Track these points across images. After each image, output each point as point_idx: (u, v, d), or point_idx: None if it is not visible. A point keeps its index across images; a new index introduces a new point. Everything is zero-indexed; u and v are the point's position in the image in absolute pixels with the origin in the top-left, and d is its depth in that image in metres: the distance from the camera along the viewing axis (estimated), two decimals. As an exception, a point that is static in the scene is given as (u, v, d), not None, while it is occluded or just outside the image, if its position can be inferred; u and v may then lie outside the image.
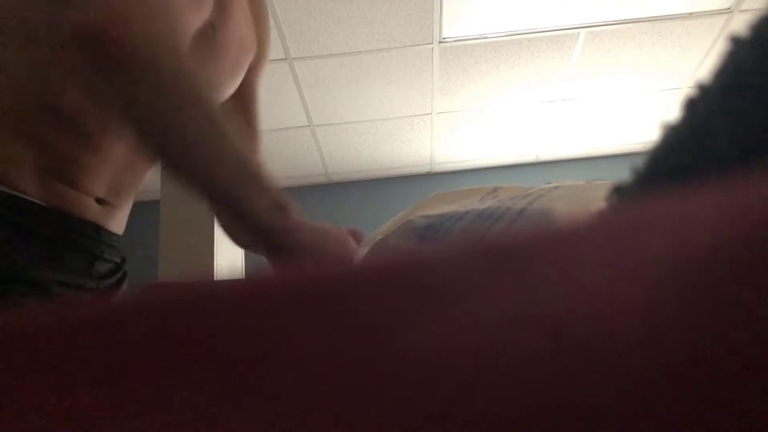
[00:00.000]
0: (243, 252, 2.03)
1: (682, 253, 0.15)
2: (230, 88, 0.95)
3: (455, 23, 2.65)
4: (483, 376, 0.15)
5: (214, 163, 0.67)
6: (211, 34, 0.83)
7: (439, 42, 2.76)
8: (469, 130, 3.39)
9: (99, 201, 0.83)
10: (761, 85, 0.20)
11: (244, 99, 1.02)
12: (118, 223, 0.87)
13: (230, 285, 0.19)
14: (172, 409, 0.16)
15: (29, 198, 0.74)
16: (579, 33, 2.76)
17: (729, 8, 2.66)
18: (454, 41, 2.76)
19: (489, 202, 0.36)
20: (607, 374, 0.14)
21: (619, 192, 0.25)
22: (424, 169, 3.77)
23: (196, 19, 0.76)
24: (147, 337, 0.18)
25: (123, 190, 0.87)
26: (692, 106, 0.22)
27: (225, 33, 0.86)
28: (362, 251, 0.54)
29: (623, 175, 0.25)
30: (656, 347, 0.14)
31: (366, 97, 3.06)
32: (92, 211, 0.82)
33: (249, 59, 0.97)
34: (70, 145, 0.77)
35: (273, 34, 2.62)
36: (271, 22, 2.61)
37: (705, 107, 0.22)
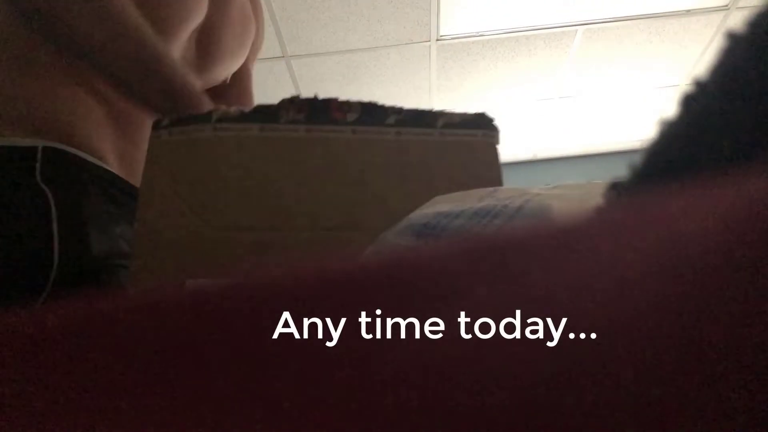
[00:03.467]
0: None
1: (679, 251, 0.15)
2: (238, 59, 0.97)
3: (452, 21, 2.65)
4: (479, 375, 0.15)
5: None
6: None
7: (437, 40, 2.76)
8: (467, 128, 3.38)
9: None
10: (758, 82, 0.20)
11: (243, 87, 1.03)
12: None
13: (226, 284, 0.19)
14: (169, 414, 0.16)
15: (115, 171, 0.73)
16: (576, 30, 2.76)
17: (726, 5, 2.66)
18: (452, 39, 2.76)
19: (487, 201, 0.36)
20: (603, 372, 0.14)
21: (616, 189, 0.25)
22: (422, 166, 3.76)
23: None
24: (145, 339, 0.18)
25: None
26: (689, 102, 0.22)
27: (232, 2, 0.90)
28: (366, 252, 0.54)
29: (621, 172, 0.25)
30: (652, 345, 0.14)
31: (363, 95, 3.06)
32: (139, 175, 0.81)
33: (251, 37, 0.99)
34: (126, 99, 0.76)
35: (270, 32, 2.61)
36: (267, 20, 2.61)
37: (702, 104, 0.22)
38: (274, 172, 0.56)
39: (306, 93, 3.36)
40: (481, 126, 0.61)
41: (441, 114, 0.60)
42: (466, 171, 0.59)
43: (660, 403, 0.13)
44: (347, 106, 0.59)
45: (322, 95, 0.62)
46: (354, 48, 2.76)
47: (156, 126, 0.59)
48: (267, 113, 0.58)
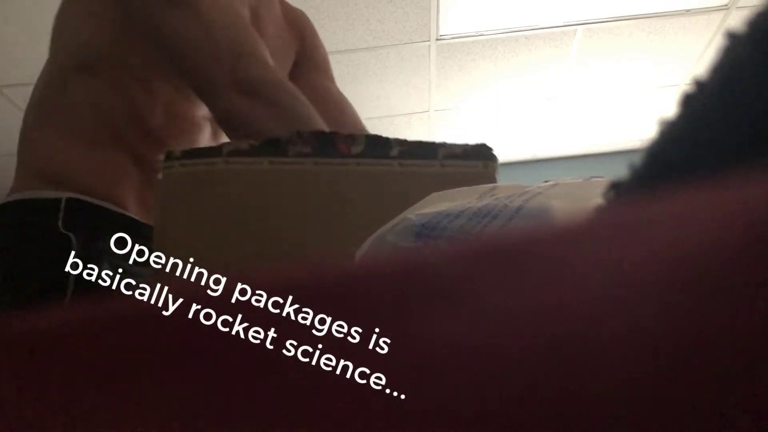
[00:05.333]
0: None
1: (679, 251, 0.15)
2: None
3: (452, 20, 2.65)
4: (481, 375, 0.15)
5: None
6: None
7: (437, 39, 2.76)
8: (467, 128, 3.39)
9: None
10: (758, 81, 0.20)
11: (336, 107, 1.20)
12: None
13: (226, 285, 0.19)
14: (160, 418, 0.16)
15: (130, 215, 0.88)
16: (576, 30, 2.76)
17: (726, 5, 2.66)
18: (451, 38, 2.76)
19: (486, 200, 0.36)
20: (604, 372, 0.14)
21: (616, 188, 0.25)
22: (422, 166, 3.76)
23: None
24: (134, 345, 0.18)
25: None
26: (690, 102, 0.22)
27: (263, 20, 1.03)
28: (361, 249, 0.54)
29: (621, 172, 0.25)
30: (652, 345, 0.14)
31: (363, 95, 3.05)
32: None
33: (290, 51, 1.13)
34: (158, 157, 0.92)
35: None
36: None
37: (702, 103, 0.22)
38: (283, 205, 0.60)
39: (306, 93, 3.31)
40: (481, 157, 0.63)
41: (442, 145, 0.63)
42: None
43: (660, 404, 0.13)
44: (351, 139, 0.61)
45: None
46: (354, 48, 2.76)
47: (168, 157, 0.61)
48: (276, 147, 0.61)
